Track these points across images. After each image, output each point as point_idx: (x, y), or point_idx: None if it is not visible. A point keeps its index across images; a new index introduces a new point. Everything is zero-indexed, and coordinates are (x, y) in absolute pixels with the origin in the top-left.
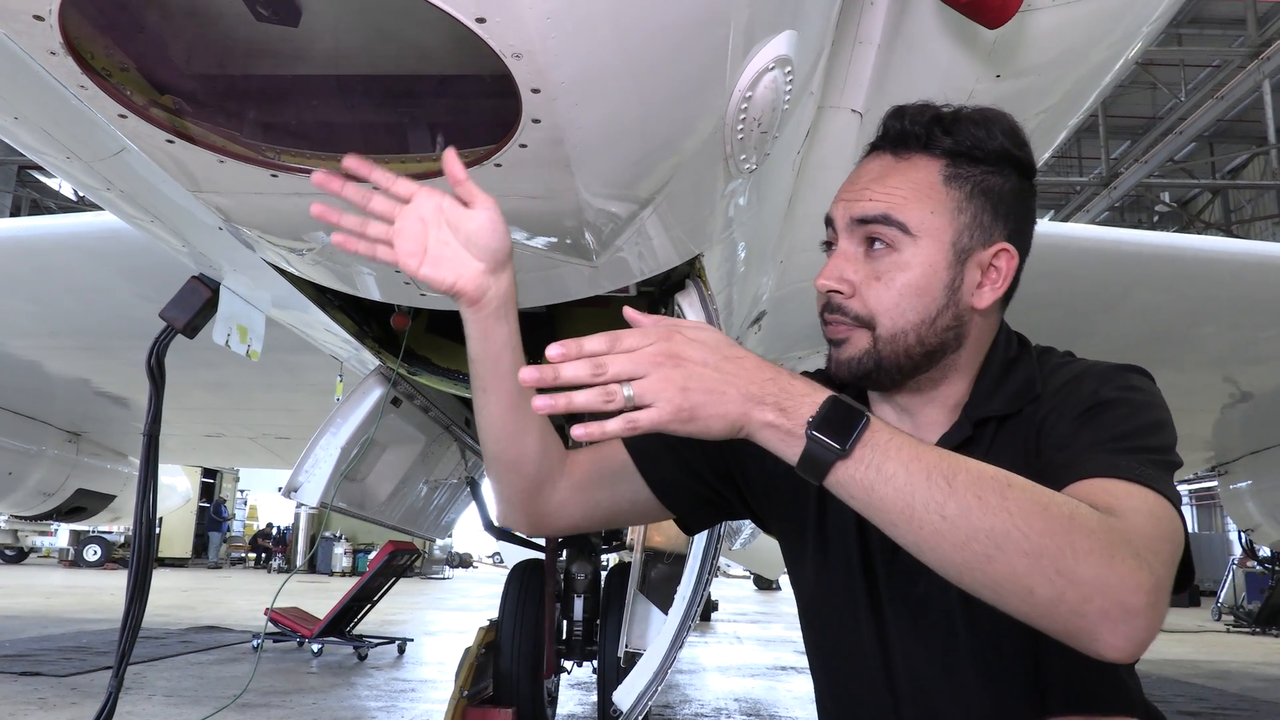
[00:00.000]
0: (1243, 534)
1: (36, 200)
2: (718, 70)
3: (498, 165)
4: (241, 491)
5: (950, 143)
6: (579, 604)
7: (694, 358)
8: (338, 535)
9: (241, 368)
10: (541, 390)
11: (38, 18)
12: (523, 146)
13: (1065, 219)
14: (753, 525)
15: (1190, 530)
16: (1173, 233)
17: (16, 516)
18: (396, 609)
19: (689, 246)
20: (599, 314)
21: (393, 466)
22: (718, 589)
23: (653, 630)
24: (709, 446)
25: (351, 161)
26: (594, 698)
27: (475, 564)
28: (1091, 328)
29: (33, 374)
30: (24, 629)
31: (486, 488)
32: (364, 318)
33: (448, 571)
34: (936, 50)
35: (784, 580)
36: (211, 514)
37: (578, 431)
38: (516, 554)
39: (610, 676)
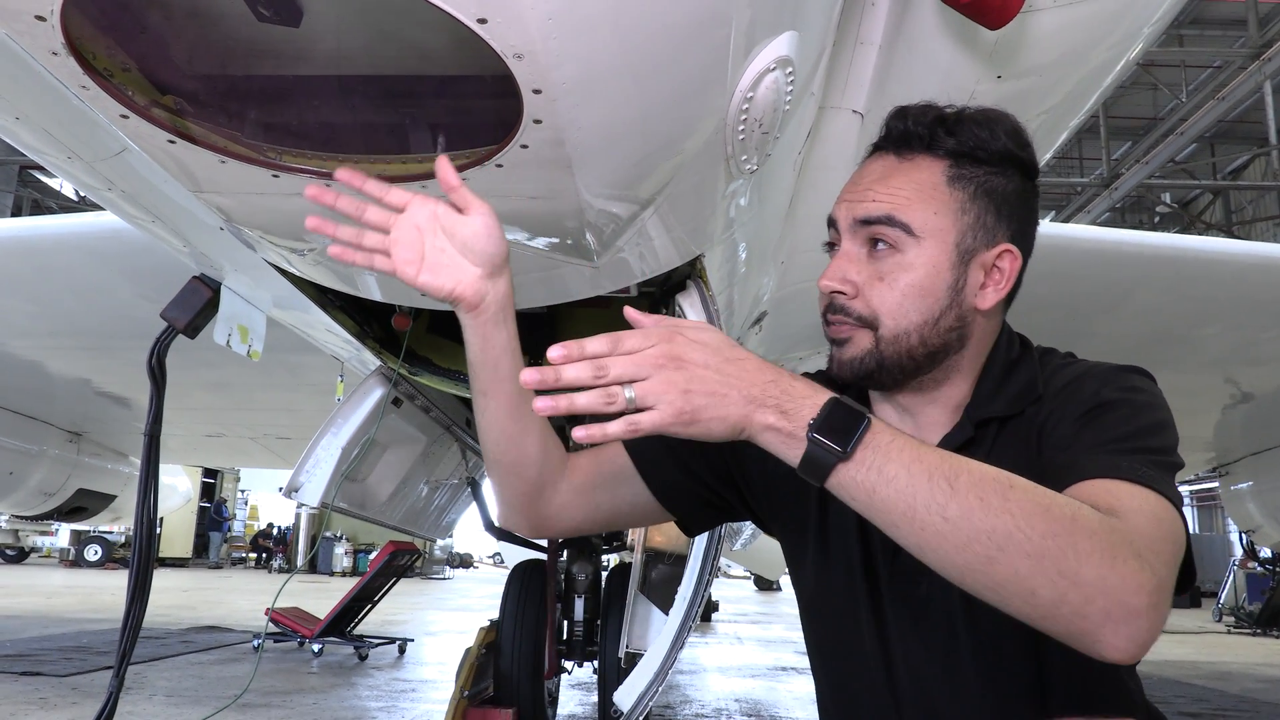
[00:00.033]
0: (1243, 535)
1: (38, 200)
2: (719, 71)
3: (499, 166)
4: (242, 491)
5: (953, 143)
6: (579, 604)
7: (695, 360)
8: (338, 535)
9: (242, 368)
10: (542, 391)
11: (40, 18)
12: (524, 147)
13: (1066, 220)
14: (753, 526)
15: (1191, 531)
16: (1174, 234)
17: (17, 516)
18: (397, 609)
19: (690, 247)
20: (600, 314)
21: (394, 467)
22: (718, 589)
23: (653, 631)
24: (709, 448)
25: (344, 174)
26: (594, 698)
27: (476, 564)
28: (1092, 329)
29: (34, 374)
30: (25, 629)
31: (487, 488)
32: (365, 318)
33: (448, 572)
34: (937, 51)
35: (784, 581)
36: (212, 514)
37: (579, 434)
38: (517, 554)
39: (611, 677)
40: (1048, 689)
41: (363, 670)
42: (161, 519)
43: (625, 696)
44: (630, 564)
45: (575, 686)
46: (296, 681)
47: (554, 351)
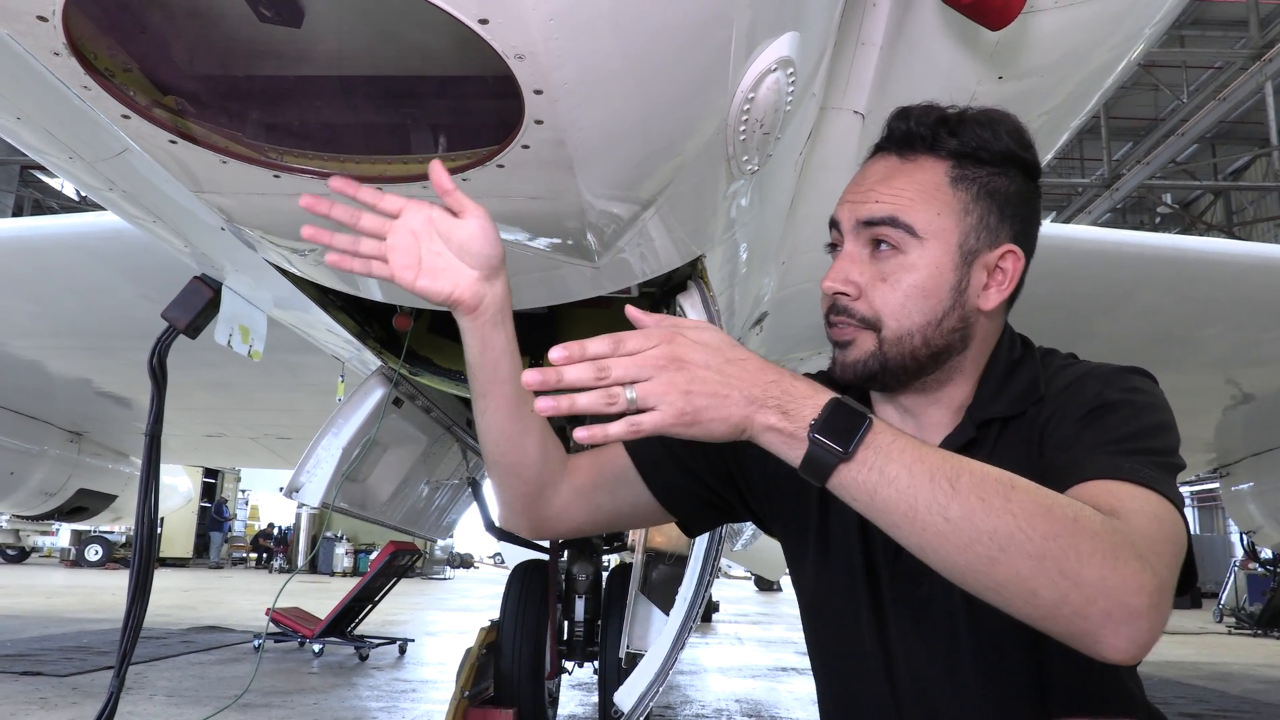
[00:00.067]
0: (1244, 536)
1: (39, 200)
2: (720, 72)
3: (500, 166)
4: (243, 492)
5: (956, 144)
6: (580, 605)
7: (697, 361)
8: (339, 535)
9: (243, 368)
10: (543, 392)
11: (41, 18)
12: (525, 148)
13: (1067, 220)
14: (754, 527)
15: (1192, 532)
16: (1175, 234)
17: (18, 516)
18: (398, 609)
19: (691, 247)
20: (601, 315)
21: (394, 467)
22: (718, 590)
23: (654, 631)
24: (710, 449)
25: (337, 182)
26: (595, 698)
27: (476, 564)
28: (1093, 329)
29: (35, 374)
30: (25, 629)
31: (488, 488)
32: (366, 318)
33: (449, 572)
34: (939, 52)
35: (785, 581)
36: (213, 514)
37: (580, 434)
38: (517, 555)
39: (611, 677)
40: (1049, 689)
41: (363, 670)
42: (162, 519)
43: (626, 697)
44: (631, 564)
45: (576, 687)
46: (297, 682)
47: (555, 353)
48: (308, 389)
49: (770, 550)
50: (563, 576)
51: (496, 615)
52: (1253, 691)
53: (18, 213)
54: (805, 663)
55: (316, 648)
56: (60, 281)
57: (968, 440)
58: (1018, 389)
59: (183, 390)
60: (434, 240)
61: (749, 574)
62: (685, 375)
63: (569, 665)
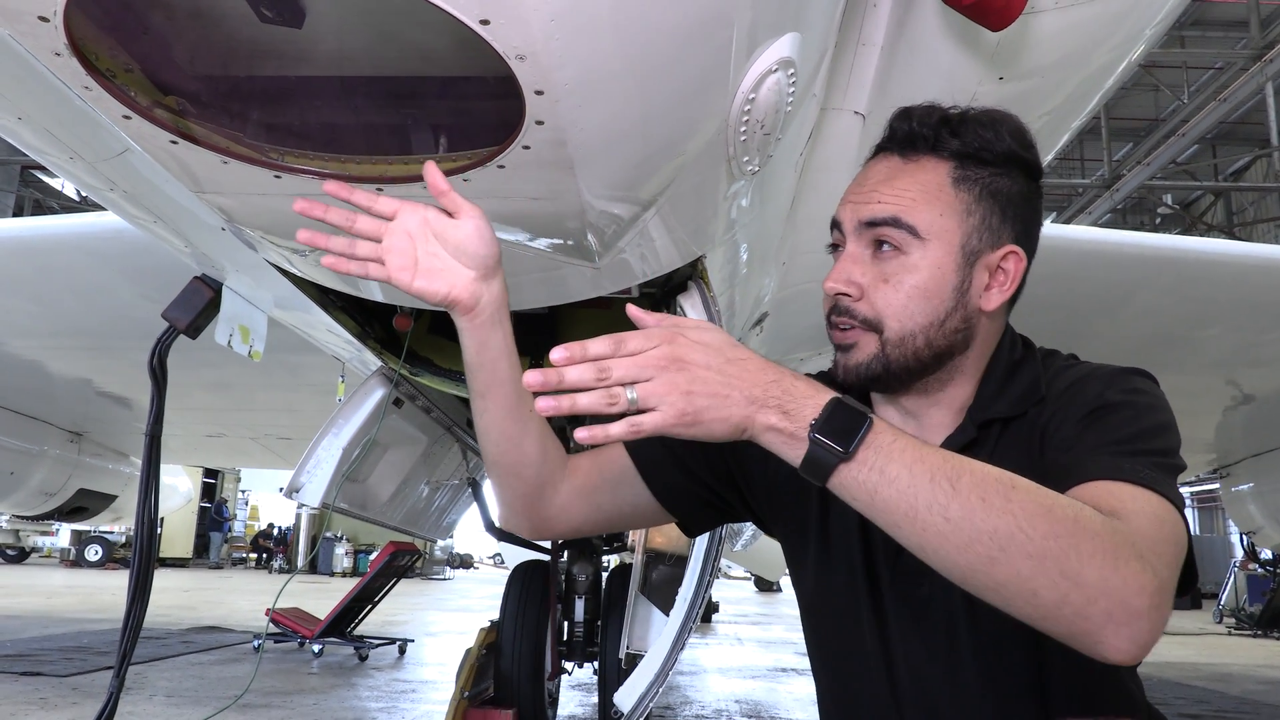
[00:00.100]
0: (1244, 536)
1: (39, 200)
2: (721, 72)
3: (501, 167)
4: (243, 492)
5: (958, 144)
6: (580, 605)
7: (697, 361)
8: (339, 536)
9: (243, 368)
10: (543, 392)
11: (42, 19)
12: (526, 148)
13: (1067, 221)
14: (754, 527)
15: (1192, 533)
16: (1175, 235)
17: (18, 516)
18: (397, 610)
19: (691, 248)
20: (601, 315)
21: (394, 467)
22: (718, 590)
23: (654, 632)
24: (710, 449)
25: (331, 186)
26: (595, 699)
27: (476, 565)
28: (1094, 330)
29: (35, 374)
30: (25, 629)
31: (488, 489)
32: (366, 318)
33: (449, 572)
34: (939, 52)
35: (785, 582)
36: (213, 514)
37: (581, 434)
38: (517, 555)
39: (611, 678)
40: (1049, 690)
41: (363, 671)
42: (162, 519)
43: (626, 697)
44: (631, 565)
45: (575, 687)
46: (297, 682)
47: (556, 353)
48: (308, 389)
49: (770, 550)
50: (563, 577)
51: (496, 616)
52: (1252, 692)
53: (18, 213)
54: (805, 663)
55: (316, 648)
56: (60, 281)
57: (969, 441)
58: (1019, 390)
59: (183, 390)
60: (430, 241)
61: (749, 574)
62: (686, 375)
63: (569, 666)
